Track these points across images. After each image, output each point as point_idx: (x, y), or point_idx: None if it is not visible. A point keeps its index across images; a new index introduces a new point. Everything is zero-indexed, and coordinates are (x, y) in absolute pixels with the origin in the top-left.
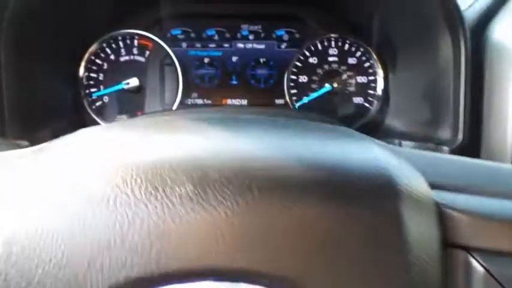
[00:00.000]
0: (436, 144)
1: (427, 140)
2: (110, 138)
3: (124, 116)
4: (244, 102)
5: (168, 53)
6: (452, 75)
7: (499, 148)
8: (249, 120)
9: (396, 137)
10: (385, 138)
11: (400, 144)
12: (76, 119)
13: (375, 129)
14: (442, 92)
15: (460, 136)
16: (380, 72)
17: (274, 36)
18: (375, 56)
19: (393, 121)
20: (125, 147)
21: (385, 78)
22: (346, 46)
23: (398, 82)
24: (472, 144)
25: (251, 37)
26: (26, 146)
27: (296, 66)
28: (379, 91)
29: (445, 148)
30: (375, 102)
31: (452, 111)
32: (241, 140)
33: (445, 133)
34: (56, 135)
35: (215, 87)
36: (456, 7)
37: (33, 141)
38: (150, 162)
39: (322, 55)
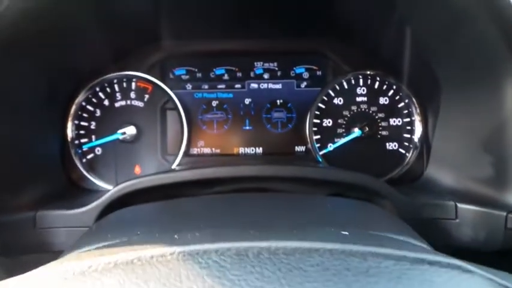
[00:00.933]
0: (507, 212)
1: (490, 204)
2: None
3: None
4: (259, 150)
5: (170, 96)
6: None
7: None
8: None
9: (444, 194)
10: (428, 193)
11: (456, 208)
12: (62, 178)
13: (412, 180)
14: (509, 145)
15: None
16: (417, 114)
17: (292, 74)
18: (410, 95)
19: (437, 173)
20: None
21: (424, 122)
22: (377, 84)
23: (442, 127)
24: None
25: (266, 76)
26: None
27: (319, 109)
28: (417, 136)
29: None
30: (412, 148)
31: None
32: None
33: None
34: (34, 203)
35: (225, 133)
36: None
37: (6, 214)
38: None
39: (349, 95)
